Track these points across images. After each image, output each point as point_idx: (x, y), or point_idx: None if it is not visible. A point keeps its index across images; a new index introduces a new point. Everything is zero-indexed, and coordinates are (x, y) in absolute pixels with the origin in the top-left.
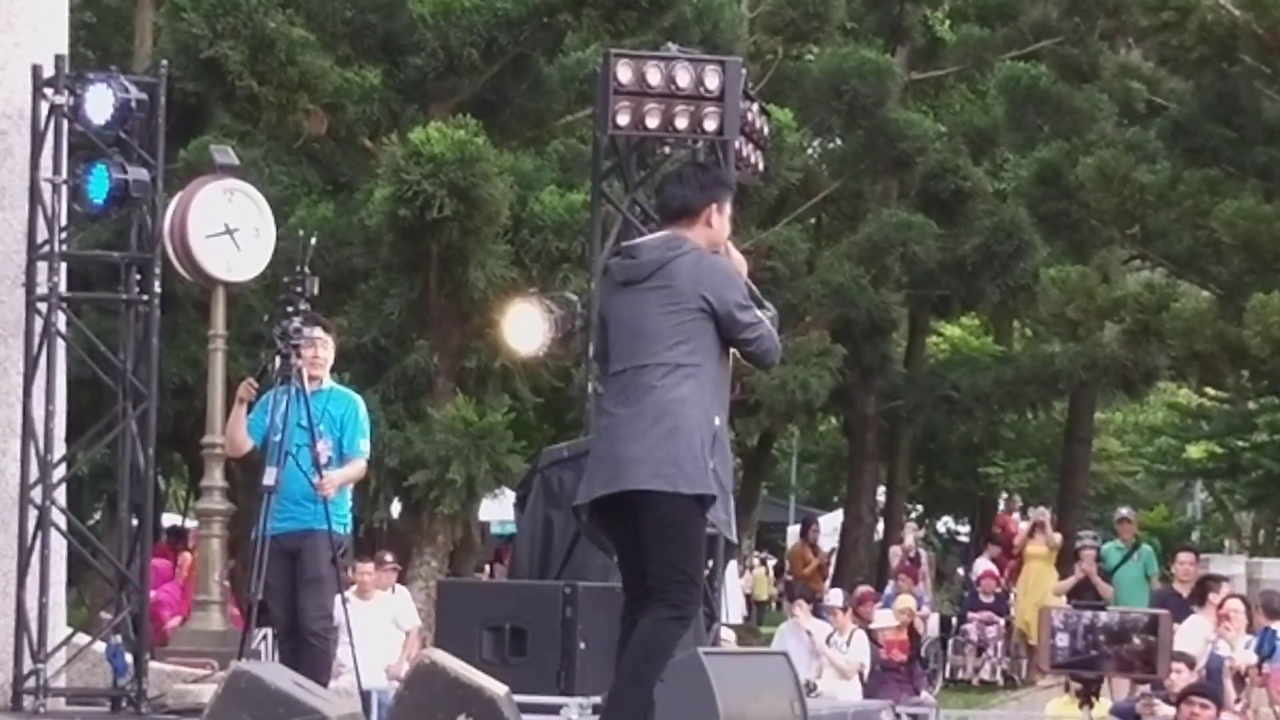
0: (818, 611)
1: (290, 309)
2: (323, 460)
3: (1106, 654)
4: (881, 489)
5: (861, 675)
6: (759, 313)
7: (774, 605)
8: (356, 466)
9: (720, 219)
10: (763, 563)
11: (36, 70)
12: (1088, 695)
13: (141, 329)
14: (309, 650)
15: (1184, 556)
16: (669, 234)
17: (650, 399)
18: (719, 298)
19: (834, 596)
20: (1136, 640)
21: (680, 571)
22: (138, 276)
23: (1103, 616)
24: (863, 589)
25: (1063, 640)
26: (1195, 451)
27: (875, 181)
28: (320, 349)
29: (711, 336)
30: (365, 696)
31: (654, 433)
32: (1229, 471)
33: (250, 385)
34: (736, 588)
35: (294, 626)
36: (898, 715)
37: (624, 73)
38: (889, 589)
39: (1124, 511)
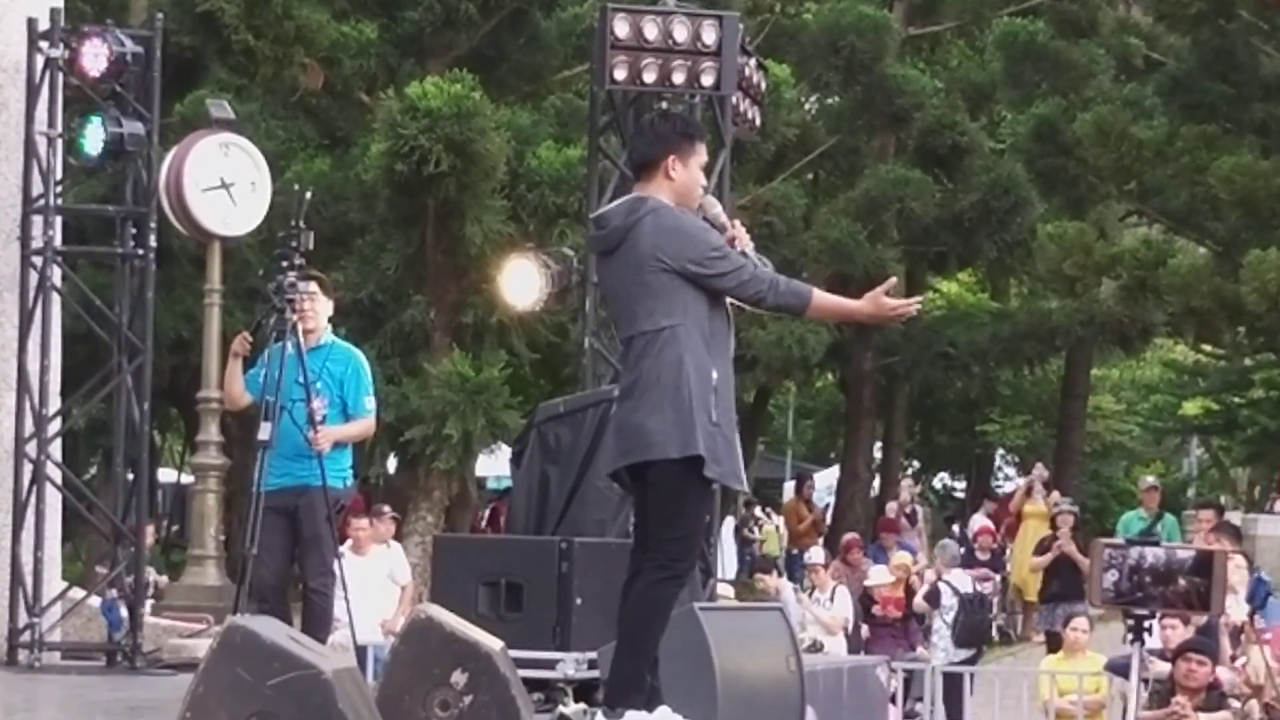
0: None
1: (285, 264)
2: (318, 416)
3: (1153, 594)
4: (878, 445)
5: (846, 630)
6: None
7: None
8: (363, 425)
9: (684, 170)
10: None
11: (32, 23)
12: (1139, 631)
13: (137, 283)
14: (308, 606)
15: (1204, 514)
16: (632, 198)
17: (640, 368)
18: (677, 258)
19: (815, 554)
20: (1182, 582)
21: (672, 529)
22: (133, 231)
23: (1149, 556)
24: (849, 536)
25: (1110, 578)
26: (1191, 408)
27: (872, 137)
28: (309, 302)
29: (686, 291)
30: (360, 651)
31: (646, 402)
32: (1225, 428)
33: (244, 339)
34: (731, 543)
35: (276, 586)
36: (893, 671)
37: (621, 27)
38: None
39: (1150, 480)
